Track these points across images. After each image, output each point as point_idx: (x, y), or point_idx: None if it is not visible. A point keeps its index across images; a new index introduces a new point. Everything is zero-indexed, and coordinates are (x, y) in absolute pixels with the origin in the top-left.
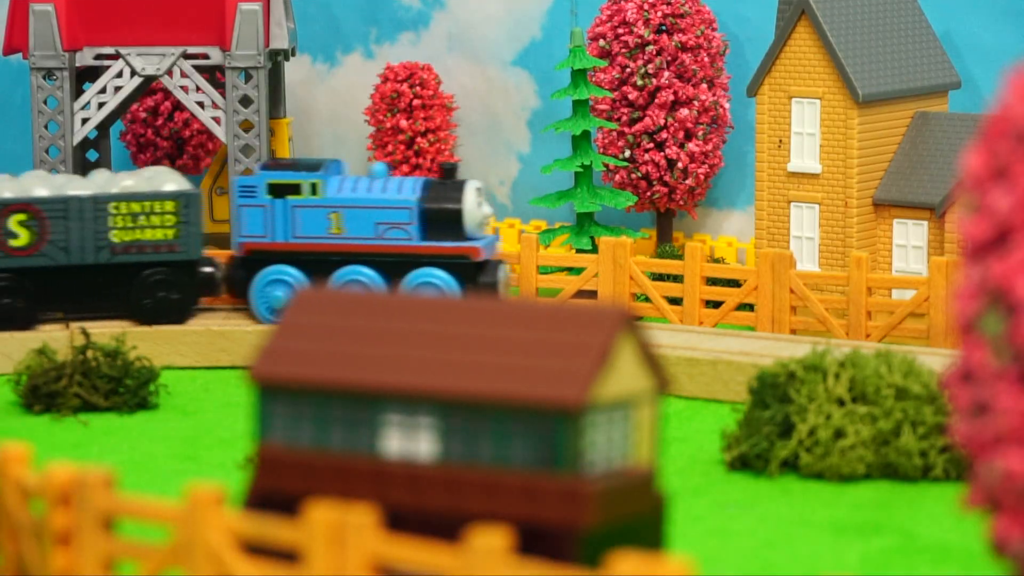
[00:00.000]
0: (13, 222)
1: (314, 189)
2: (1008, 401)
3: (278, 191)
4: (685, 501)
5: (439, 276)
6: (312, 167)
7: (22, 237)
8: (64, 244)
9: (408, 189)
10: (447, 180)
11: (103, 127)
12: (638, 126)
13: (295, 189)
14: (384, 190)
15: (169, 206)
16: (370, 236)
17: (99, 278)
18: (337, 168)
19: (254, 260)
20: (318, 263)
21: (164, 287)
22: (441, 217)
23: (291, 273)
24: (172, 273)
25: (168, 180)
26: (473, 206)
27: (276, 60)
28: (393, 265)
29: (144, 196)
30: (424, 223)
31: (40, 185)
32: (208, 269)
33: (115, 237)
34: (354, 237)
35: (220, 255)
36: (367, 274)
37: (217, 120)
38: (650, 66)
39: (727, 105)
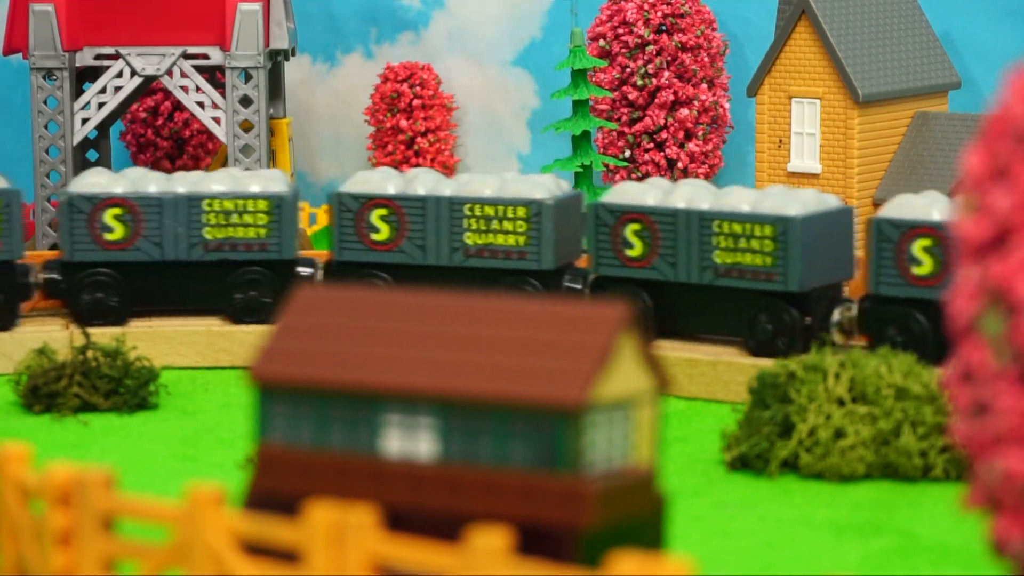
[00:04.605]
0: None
1: None
2: (1008, 401)
3: None
4: (685, 501)
5: None
6: None
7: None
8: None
9: None
10: None
11: (103, 127)
12: (638, 126)
13: None
14: None
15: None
16: None
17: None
18: None
19: None
20: None
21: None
22: None
23: None
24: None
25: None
26: None
27: (276, 60)
28: None
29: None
30: None
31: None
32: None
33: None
34: None
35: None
36: None
37: (217, 120)
38: (650, 66)
39: (727, 105)
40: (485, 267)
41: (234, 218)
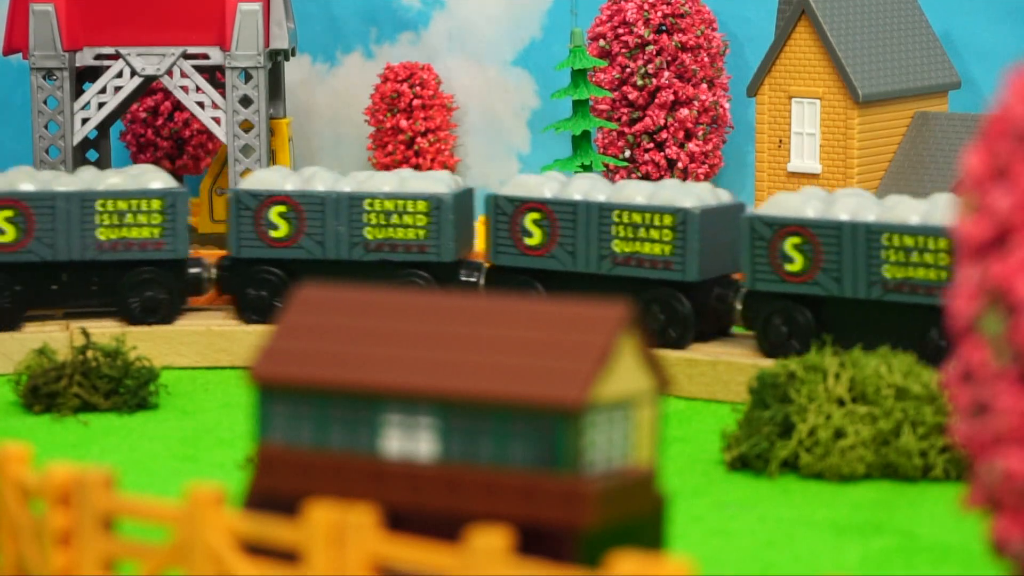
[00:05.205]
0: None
1: None
2: (1008, 401)
3: None
4: (685, 501)
5: None
6: None
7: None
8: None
9: None
10: None
11: (103, 127)
12: (638, 126)
13: None
14: None
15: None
16: None
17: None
18: None
19: None
20: None
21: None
22: None
23: None
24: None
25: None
26: None
27: (276, 60)
28: None
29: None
30: None
31: (549, 186)
32: None
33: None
34: None
35: (216, 255)
36: None
37: (217, 120)
38: (650, 66)
39: (727, 105)
40: (632, 276)
41: (394, 218)
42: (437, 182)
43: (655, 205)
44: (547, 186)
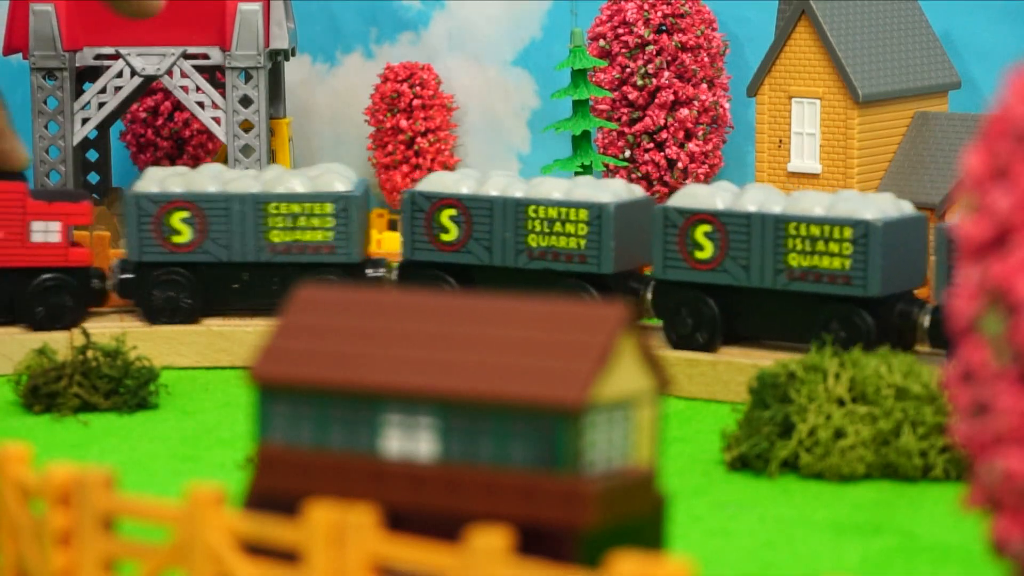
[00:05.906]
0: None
1: None
2: (1008, 401)
3: None
4: (685, 501)
5: None
6: None
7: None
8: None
9: None
10: None
11: (103, 127)
12: (638, 126)
13: None
14: None
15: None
16: None
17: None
18: None
19: None
20: None
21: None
22: None
23: None
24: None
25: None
26: None
27: (276, 60)
28: None
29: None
30: None
31: (721, 196)
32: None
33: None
34: None
35: None
36: None
37: (217, 120)
38: (650, 66)
39: (727, 105)
40: (808, 292)
41: (556, 226)
42: (603, 190)
43: (834, 217)
44: (719, 197)
